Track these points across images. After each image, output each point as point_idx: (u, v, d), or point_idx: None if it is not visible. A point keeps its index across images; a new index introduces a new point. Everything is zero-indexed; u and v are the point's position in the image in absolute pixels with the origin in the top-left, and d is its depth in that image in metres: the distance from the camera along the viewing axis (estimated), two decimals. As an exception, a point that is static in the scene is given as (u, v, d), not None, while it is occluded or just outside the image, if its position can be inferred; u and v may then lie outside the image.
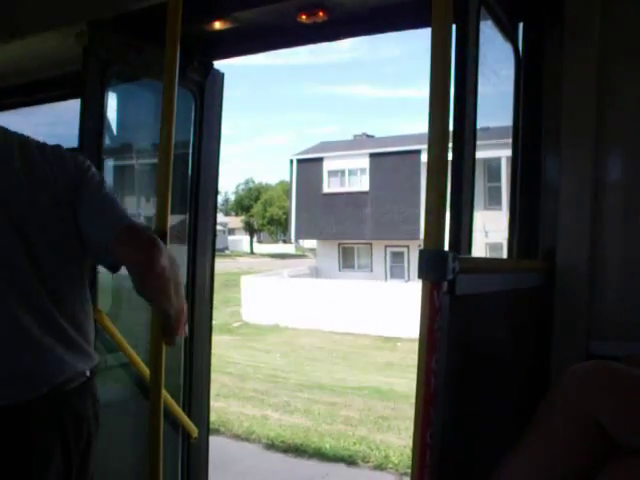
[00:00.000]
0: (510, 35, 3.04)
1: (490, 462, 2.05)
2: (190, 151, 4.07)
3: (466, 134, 2.27)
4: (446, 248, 1.91)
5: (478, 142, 2.43)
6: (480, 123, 2.44)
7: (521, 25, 3.14)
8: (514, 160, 3.22)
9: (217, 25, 3.62)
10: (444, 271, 1.79)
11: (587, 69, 2.92)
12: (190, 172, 4.08)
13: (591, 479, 1.92)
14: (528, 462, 1.98)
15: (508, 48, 3.06)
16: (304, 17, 3.43)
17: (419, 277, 1.79)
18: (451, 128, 1.98)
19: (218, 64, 4.09)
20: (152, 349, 2.95)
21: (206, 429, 4.18)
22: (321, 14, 3.39)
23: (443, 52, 1.91)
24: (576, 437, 1.96)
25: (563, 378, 2.08)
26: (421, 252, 1.79)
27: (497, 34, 2.91)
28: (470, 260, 2.29)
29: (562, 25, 2.97)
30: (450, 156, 1.97)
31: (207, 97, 4.05)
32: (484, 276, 2.30)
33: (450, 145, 1.94)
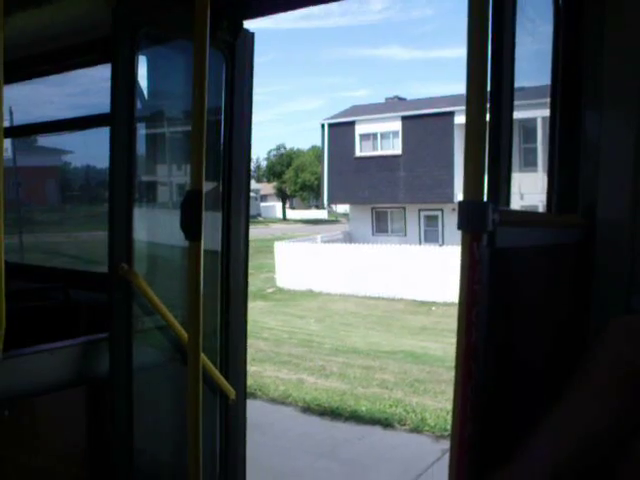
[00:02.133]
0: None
1: (531, 416, 2.03)
2: (222, 114, 4.03)
3: (504, 83, 2.21)
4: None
5: (514, 102, 2.37)
6: (517, 83, 2.38)
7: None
8: (552, 117, 3.12)
9: (247, -17, 3.57)
10: (484, 222, 1.75)
11: (633, 19, 2.78)
12: (222, 136, 4.04)
13: (636, 432, 1.89)
14: (571, 416, 1.96)
15: (547, -1, 2.96)
16: (336, -28, 3.36)
17: (459, 228, 1.76)
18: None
19: (249, 26, 4.05)
20: (189, 313, 2.97)
21: (243, 391, 4.20)
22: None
23: (481, 2, 1.86)
24: (619, 390, 1.93)
25: (605, 331, 2.04)
26: (461, 203, 1.76)
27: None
28: (510, 212, 2.25)
29: None
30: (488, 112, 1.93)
31: (238, 58, 3.99)
32: (524, 229, 2.26)
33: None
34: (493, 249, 1.86)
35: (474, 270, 1.74)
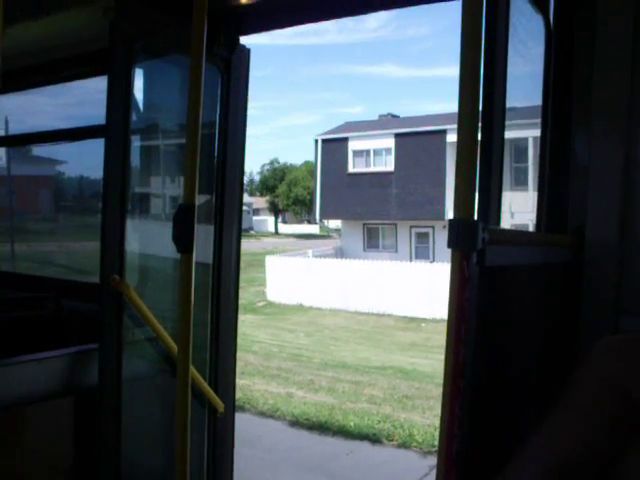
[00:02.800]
0: (541, 6, 2.98)
1: (519, 434, 2.04)
2: (217, 128, 4.05)
3: (496, 102, 2.24)
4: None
5: (505, 122, 2.40)
6: (508, 103, 2.41)
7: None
8: (543, 138, 3.16)
9: (244, -1, 3.60)
10: (474, 241, 1.77)
11: (621, 42, 2.81)
12: (216, 150, 4.06)
13: (622, 454, 1.90)
14: (556, 436, 1.97)
15: (539, 20, 3.00)
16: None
17: (449, 247, 1.78)
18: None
19: (245, 41, 4.08)
20: (180, 325, 2.97)
21: (232, 405, 4.20)
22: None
23: (474, 23, 1.89)
24: (606, 411, 1.93)
25: (592, 351, 2.05)
26: (451, 221, 1.78)
27: (527, 5, 2.86)
28: (500, 231, 2.27)
29: None
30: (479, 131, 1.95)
31: (234, 73, 4.02)
32: (513, 248, 2.28)
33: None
34: (482, 267, 1.88)
35: (463, 288, 1.75)
